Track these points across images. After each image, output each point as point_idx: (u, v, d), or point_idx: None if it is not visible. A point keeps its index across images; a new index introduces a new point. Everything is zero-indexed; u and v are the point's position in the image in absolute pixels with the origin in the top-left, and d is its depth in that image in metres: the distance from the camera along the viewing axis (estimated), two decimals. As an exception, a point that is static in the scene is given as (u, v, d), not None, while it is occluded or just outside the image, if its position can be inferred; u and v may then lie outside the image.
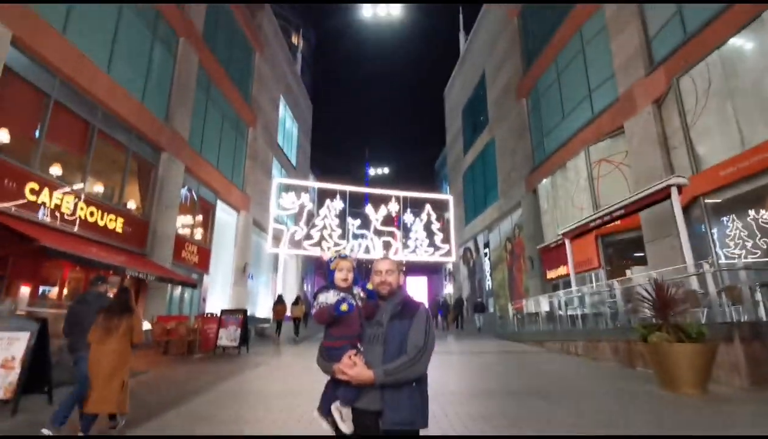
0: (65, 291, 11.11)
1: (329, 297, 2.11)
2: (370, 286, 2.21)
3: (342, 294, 2.13)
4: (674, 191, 8.43)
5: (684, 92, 10.23)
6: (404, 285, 2.41)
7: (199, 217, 17.00)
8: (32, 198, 9.18)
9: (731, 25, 9.25)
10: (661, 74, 11.01)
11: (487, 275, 25.10)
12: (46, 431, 4.15)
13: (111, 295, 5.22)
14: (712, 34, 9.69)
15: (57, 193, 9.78)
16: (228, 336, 10.72)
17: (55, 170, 10.27)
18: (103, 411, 4.29)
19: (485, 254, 25.53)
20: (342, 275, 2.19)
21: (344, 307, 2.01)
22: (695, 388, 5.90)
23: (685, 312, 6.59)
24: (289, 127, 29.76)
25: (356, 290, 2.21)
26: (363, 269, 2.31)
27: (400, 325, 2.09)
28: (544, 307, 11.95)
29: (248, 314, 19.74)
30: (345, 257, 2.23)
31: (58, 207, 9.82)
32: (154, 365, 8.81)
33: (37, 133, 9.61)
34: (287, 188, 22.85)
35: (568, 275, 14.33)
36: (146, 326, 8.14)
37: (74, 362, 4.68)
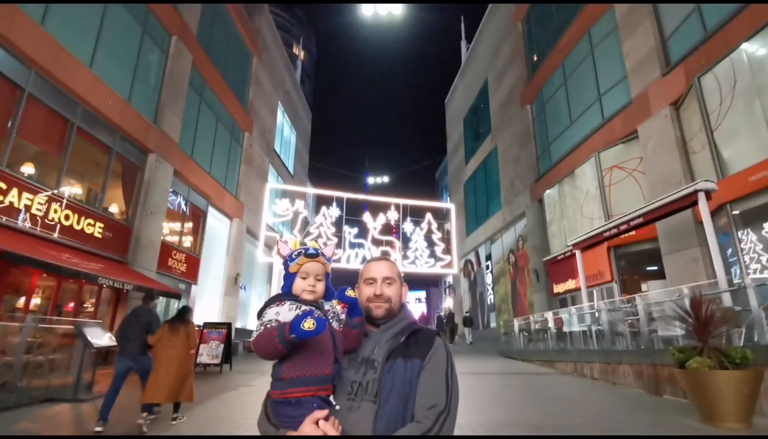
0: (37, 300, 10.26)
1: (282, 312, 1.27)
2: (351, 293, 1.36)
3: (304, 307, 1.29)
4: (702, 197, 7.63)
5: (707, 92, 9.50)
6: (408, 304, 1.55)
7: (189, 224, 16.19)
8: (-3, 198, 8.40)
9: (757, 19, 8.56)
10: (679, 74, 10.31)
11: (489, 288, 24.22)
12: (98, 428, 4.94)
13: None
14: (736, 30, 9.01)
15: (27, 194, 9.00)
16: (209, 352, 9.79)
17: (27, 169, 9.51)
18: (158, 401, 5.15)
19: (487, 267, 24.69)
20: (307, 283, 1.34)
21: (309, 324, 1.11)
22: (740, 421, 5.05)
23: (723, 333, 5.76)
24: (287, 134, 29.12)
25: (328, 305, 1.38)
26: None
27: (405, 368, 1.27)
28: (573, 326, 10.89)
29: (239, 327, 18.92)
30: (314, 255, 1.36)
31: (27, 208, 9.03)
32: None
33: (7, 129, 8.85)
34: (283, 195, 22.07)
35: (577, 289, 13.50)
36: (113, 340, 7.26)
37: (123, 364, 5.50)
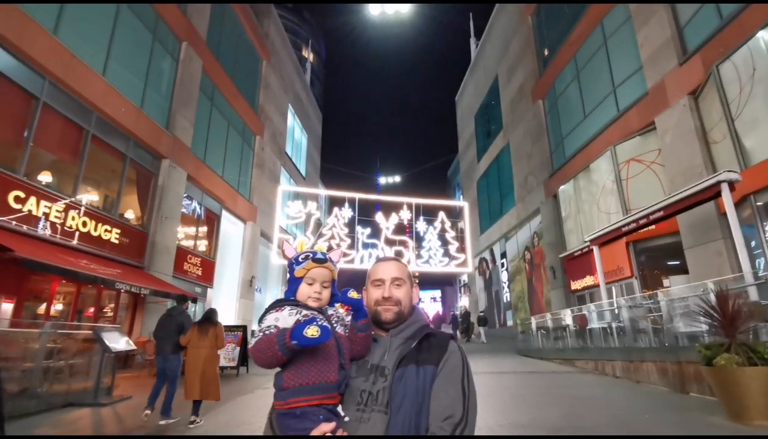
0: (58, 306, 10.45)
1: (282, 318, 1.20)
2: (354, 294, 1.27)
3: (306, 312, 1.23)
4: (725, 188, 7.37)
5: (726, 80, 9.20)
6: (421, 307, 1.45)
7: (203, 228, 16.34)
8: (17, 206, 8.55)
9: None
10: (697, 63, 10.01)
11: (505, 286, 23.94)
12: (163, 422, 5.47)
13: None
14: (752, 17, 8.71)
15: (45, 202, 9.15)
16: (226, 355, 9.83)
17: (44, 177, 9.68)
18: (192, 398, 5.41)
19: (502, 265, 24.41)
20: (313, 290, 1.27)
21: (312, 331, 1.06)
22: (768, 419, 4.86)
23: (750, 329, 5.55)
24: (298, 137, 29.25)
25: (332, 310, 1.30)
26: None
27: (417, 375, 1.18)
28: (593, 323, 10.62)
29: (255, 329, 19.05)
30: (323, 260, 1.28)
31: (46, 216, 9.18)
32: (141, 389, 7.96)
33: (23, 138, 9.02)
34: (295, 197, 22.16)
35: (595, 285, 13.23)
36: (130, 345, 7.34)
37: (159, 362, 6.01)
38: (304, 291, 1.27)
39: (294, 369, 1.16)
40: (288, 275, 1.31)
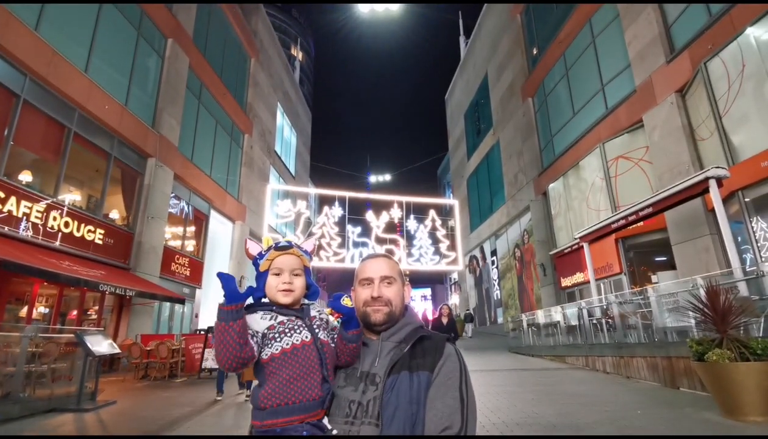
0: (41, 308, 10.20)
1: (254, 321, 1.08)
2: (347, 301, 1.13)
3: (282, 318, 1.10)
4: (713, 184, 7.42)
5: (714, 77, 9.28)
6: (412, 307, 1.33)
7: (191, 228, 16.09)
8: (-5, 207, 8.30)
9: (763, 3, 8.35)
10: (684, 60, 10.09)
11: (495, 284, 24.02)
12: (218, 397, 6.83)
13: None
14: (742, 14, 8.79)
15: (26, 202, 8.90)
16: (215, 357, 9.68)
17: (25, 177, 9.42)
18: (248, 379, 6.90)
19: (492, 262, 24.49)
20: (281, 280, 1.13)
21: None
22: (764, 414, 4.87)
23: (741, 325, 5.57)
24: (287, 135, 28.98)
25: (314, 311, 1.17)
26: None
27: (411, 382, 1.07)
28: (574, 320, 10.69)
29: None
30: (286, 247, 1.15)
31: (27, 217, 8.93)
32: (126, 393, 7.77)
33: (3, 137, 8.74)
34: (285, 196, 21.97)
35: (585, 282, 13.31)
36: (114, 348, 7.13)
37: None
38: (272, 283, 1.13)
39: (271, 387, 1.04)
40: (257, 274, 1.17)
